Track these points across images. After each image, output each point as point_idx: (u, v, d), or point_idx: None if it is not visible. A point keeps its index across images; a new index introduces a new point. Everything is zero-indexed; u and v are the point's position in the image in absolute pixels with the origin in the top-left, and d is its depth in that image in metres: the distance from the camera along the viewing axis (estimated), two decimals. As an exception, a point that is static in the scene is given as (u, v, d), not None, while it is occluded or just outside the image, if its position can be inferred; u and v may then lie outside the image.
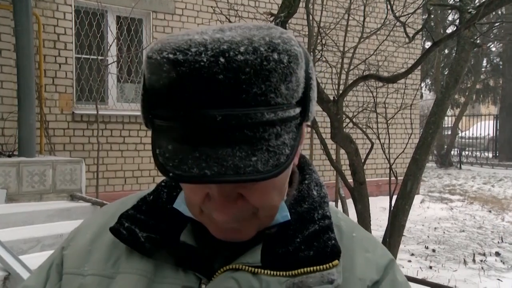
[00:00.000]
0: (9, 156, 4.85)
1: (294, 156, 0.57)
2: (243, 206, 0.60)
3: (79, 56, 6.35)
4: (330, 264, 0.63)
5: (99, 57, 6.38)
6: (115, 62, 6.41)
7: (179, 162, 0.53)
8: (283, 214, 0.66)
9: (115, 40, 6.38)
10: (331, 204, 0.74)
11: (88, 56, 6.40)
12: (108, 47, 6.32)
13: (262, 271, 0.63)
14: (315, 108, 0.64)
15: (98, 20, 6.45)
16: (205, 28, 0.58)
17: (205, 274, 0.65)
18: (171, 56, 0.54)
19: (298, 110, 0.58)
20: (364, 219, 3.72)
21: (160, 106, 0.56)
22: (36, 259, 3.56)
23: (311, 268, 0.63)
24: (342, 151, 4.36)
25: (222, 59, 0.53)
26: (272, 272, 0.63)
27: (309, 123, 0.65)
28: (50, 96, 6.06)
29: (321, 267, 0.63)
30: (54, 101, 6.10)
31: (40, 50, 5.82)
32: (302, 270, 0.63)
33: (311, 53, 5.69)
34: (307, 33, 5.64)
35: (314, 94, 0.62)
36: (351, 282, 0.65)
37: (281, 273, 0.63)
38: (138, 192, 0.79)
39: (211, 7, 6.18)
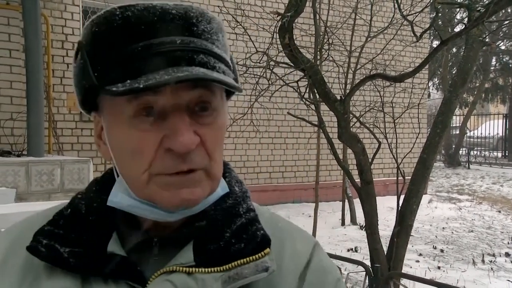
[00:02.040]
0: (18, 155, 4.88)
1: (237, 90, 0.62)
2: (199, 149, 0.62)
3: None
4: (262, 253, 0.64)
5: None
6: (123, 62, 6.43)
7: (153, 77, 0.56)
8: (222, 186, 0.69)
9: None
10: (254, 203, 0.75)
11: (95, 56, 6.43)
12: (116, 47, 6.35)
13: (197, 269, 0.63)
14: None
15: (105, 20, 6.48)
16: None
17: (139, 282, 0.63)
18: (120, 5, 0.61)
19: (231, 67, 0.66)
20: (371, 218, 3.71)
21: (111, 53, 0.60)
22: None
23: (244, 260, 0.63)
24: (349, 150, 4.35)
25: (170, 3, 0.61)
26: (206, 270, 0.63)
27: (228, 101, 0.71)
28: (58, 96, 6.10)
29: (254, 257, 0.64)
30: (62, 101, 6.13)
31: (48, 50, 5.86)
32: (236, 263, 0.63)
33: (318, 52, 5.68)
34: (314, 32, 5.63)
35: (237, 71, 0.68)
36: (284, 269, 0.68)
37: (215, 269, 0.63)
38: (49, 207, 0.75)
39: (218, 6, 6.18)
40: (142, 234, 0.67)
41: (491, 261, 5.56)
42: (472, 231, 7.17)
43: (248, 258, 0.64)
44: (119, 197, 0.66)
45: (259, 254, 0.64)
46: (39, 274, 0.65)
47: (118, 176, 0.67)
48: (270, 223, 0.72)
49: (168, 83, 0.56)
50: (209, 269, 0.63)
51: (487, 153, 17.70)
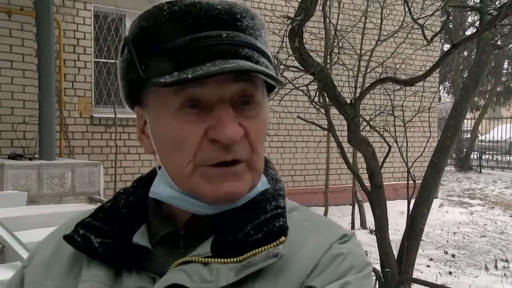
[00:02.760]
0: (30, 159, 4.93)
1: (280, 87, 0.66)
2: (242, 141, 0.63)
3: (98, 60, 6.44)
4: (277, 241, 0.63)
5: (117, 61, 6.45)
6: (133, 66, 6.47)
7: (202, 69, 0.58)
8: (262, 181, 0.69)
9: (133, 44, 6.45)
10: (292, 202, 0.74)
11: (106, 60, 6.48)
12: (126, 51, 6.39)
13: (212, 260, 0.63)
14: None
15: (116, 25, 6.53)
16: None
17: (159, 273, 0.65)
18: (166, 4, 0.63)
19: (274, 64, 0.67)
20: (381, 223, 3.69)
21: (160, 44, 0.62)
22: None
23: (259, 249, 0.63)
24: (359, 154, 4.33)
25: (216, 0, 0.63)
26: (222, 260, 0.63)
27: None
28: (70, 99, 6.15)
29: (268, 246, 0.63)
30: (73, 104, 6.19)
31: (60, 55, 5.92)
32: (250, 253, 0.63)
33: (328, 56, 5.67)
34: (323, 36, 5.63)
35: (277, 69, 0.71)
36: (301, 256, 0.64)
37: (231, 259, 0.63)
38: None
39: (228, 11, 6.21)
40: (169, 226, 0.68)
41: (504, 267, 5.49)
42: (484, 236, 7.09)
43: (262, 248, 0.63)
44: (160, 189, 0.68)
45: (274, 243, 0.63)
46: (82, 264, 0.69)
47: (159, 169, 0.70)
48: (297, 222, 0.69)
49: (216, 74, 0.58)
50: (225, 260, 0.63)
51: (499, 157, 17.51)
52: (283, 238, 0.64)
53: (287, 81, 4.29)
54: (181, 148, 0.63)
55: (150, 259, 0.66)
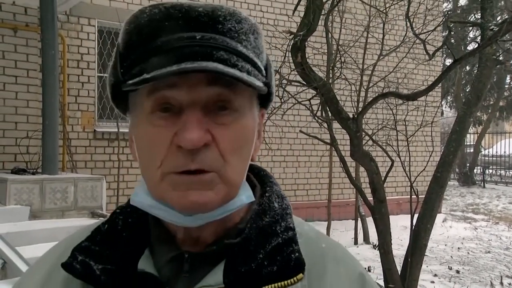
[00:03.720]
0: (33, 173, 4.94)
1: (264, 91, 0.62)
2: (211, 150, 0.59)
3: (101, 75, 6.48)
4: (295, 278, 0.61)
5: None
6: (137, 81, 6.51)
7: (172, 63, 0.56)
8: (247, 194, 0.64)
9: (137, 60, 6.50)
10: (298, 218, 0.72)
11: (110, 75, 6.52)
12: (130, 66, 6.44)
13: None
14: (272, 95, 0.68)
15: (120, 40, 6.59)
16: None
17: None
18: (148, 7, 0.62)
19: (263, 71, 0.64)
20: (385, 237, 3.66)
21: (135, 50, 0.61)
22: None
23: (275, 285, 0.60)
24: (361, 168, 4.33)
25: (202, 3, 0.62)
26: None
27: (263, 116, 0.69)
28: (73, 114, 6.18)
29: (285, 282, 0.61)
30: (77, 119, 6.22)
31: (64, 70, 5.97)
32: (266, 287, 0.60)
33: (330, 70, 5.70)
34: (326, 51, 5.66)
35: (272, 76, 0.67)
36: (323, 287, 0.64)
37: None
38: (93, 223, 0.75)
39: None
40: (173, 250, 0.65)
41: (510, 284, 5.43)
42: (489, 252, 7.03)
43: (278, 284, 0.61)
44: (140, 197, 0.65)
45: (292, 280, 0.61)
46: None
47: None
48: (313, 243, 0.68)
49: (173, 73, 0.55)
50: None
51: (502, 172, 17.45)
52: (300, 275, 0.61)
53: (289, 96, 4.30)
54: (151, 153, 0.60)
55: (156, 286, 0.63)
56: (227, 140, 0.60)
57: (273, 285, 0.60)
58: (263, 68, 0.64)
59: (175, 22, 0.59)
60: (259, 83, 0.59)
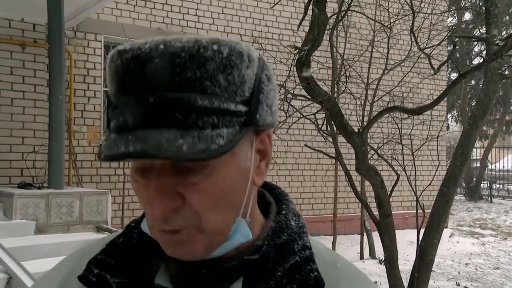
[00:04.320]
0: (39, 188, 4.95)
1: (229, 149, 0.56)
2: (183, 210, 0.58)
3: (107, 89, 6.53)
4: None
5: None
6: (142, 96, 6.56)
7: (113, 145, 0.55)
8: (244, 234, 0.62)
9: (143, 74, 6.56)
10: (313, 237, 0.71)
11: (116, 90, 6.57)
12: (136, 81, 6.50)
13: None
14: (271, 117, 0.63)
15: (126, 55, 6.65)
16: None
17: None
18: (121, 47, 0.58)
19: (242, 107, 0.58)
20: (391, 252, 3.63)
21: (111, 97, 0.60)
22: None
23: None
24: (367, 183, 4.31)
25: (161, 46, 0.56)
26: None
27: (270, 137, 0.65)
28: (79, 128, 6.22)
29: None
30: (83, 133, 6.25)
31: (70, 85, 6.02)
32: None
33: (335, 85, 5.71)
34: (331, 65, 5.69)
35: (267, 100, 0.61)
36: None
37: None
38: (105, 236, 0.75)
39: (236, 41, 6.31)
40: (190, 265, 0.64)
41: (517, 299, 5.36)
42: (497, 268, 6.94)
43: None
44: (146, 229, 0.65)
45: None
46: None
47: None
48: (327, 262, 0.68)
49: (113, 159, 0.55)
50: None
51: (510, 186, 17.31)
52: None
53: (294, 110, 4.31)
54: (140, 202, 0.62)
55: None
56: (198, 200, 0.58)
57: None
58: (236, 108, 0.58)
59: (131, 79, 0.56)
60: (200, 155, 0.54)
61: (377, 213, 3.70)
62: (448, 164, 3.96)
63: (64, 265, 0.73)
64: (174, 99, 0.54)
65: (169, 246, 0.60)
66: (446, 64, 7.07)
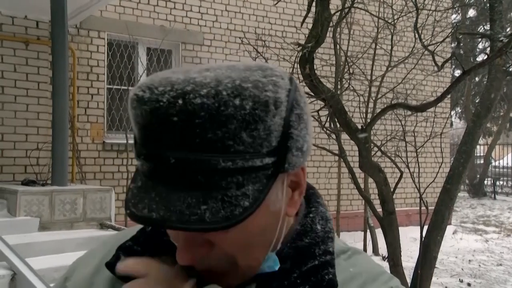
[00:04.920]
0: (43, 185, 4.97)
1: (255, 209, 0.54)
2: (213, 253, 0.59)
3: (111, 86, 6.54)
4: None
5: (130, 88, 6.54)
6: (146, 93, 6.56)
7: (138, 201, 0.55)
8: (270, 265, 0.63)
9: (145, 71, 6.56)
10: (341, 240, 0.71)
11: (119, 87, 6.58)
12: (139, 78, 6.49)
13: None
14: (301, 159, 0.60)
15: (129, 52, 6.65)
16: (198, 67, 0.58)
17: None
18: (140, 93, 0.55)
19: (268, 160, 0.56)
20: (394, 249, 3.63)
21: (136, 141, 0.59)
22: None
23: None
24: (370, 180, 4.31)
25: (180, 101, 0.53)
26: None
27: (304, 169, 0.64)
28: (82, 126, 6.23)
29: None
30: (86, 130, 6.26)
31: (74, 82, 6.03)
32: None
33: (339, 82, 5.70)
34: (334, 62, 5.68)
35: (296, 144, 0.58)
36: None
37: None
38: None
39: (239, 37, 6.30)
40: None
41: (521, 296, 5.35)
42: (501, 264, 6.93)
43: None
44: None
45: None
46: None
47: None
48: (341, 268, 0.67)
49: (138, 222, 0.55)
50: None
51: (514, 183, 17.26)
52: None
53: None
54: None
55: None
56: (228, 246, 0.58)
57: None
58: (267, 152, 0.56)
59: (152, 135, 0.55)
60: (223, 224, 0.53)
61: (381, 210, 3.70)
62: (452, 161, 3.96)
63: (101, 249, 0.75)
64: (196, 161, 0.53)
65: (204, 273, 0.61)
66: (450, 61, 7.04)
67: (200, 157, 0.53)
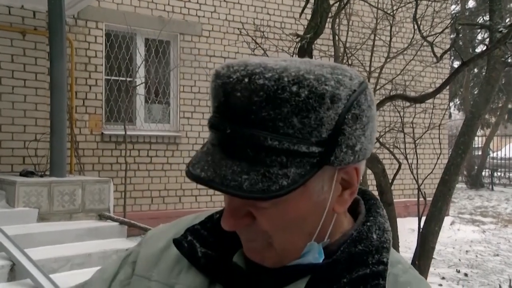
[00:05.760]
0: (41, 176, 4.97)
1: (293, 190, 0.57)
2: (253, 226, 0.63)
3: (109, 78, 6.52)
4: None
5: (128, 79, 6.53)
6: (143, 84, 6.55)
7: (197, 162, 0.61)
8: (315, 256, 0.65)
9: (143, 62, 6.53)
10: (396, 253, 0.71)
11: (117, 78, 6.56)
12: (137, 69, 6.47)
13: None
14: (352, 157, 0.62)
15: (127, 43, 6.62)
16: (280, 57, 0.63)
17: None
18: (219, 69, 0.61)
19: (315, 149, 0.58)
20: (392, 240, 3.65)
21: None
22: (66, 278, 3.61)
23: None
24: (369, 171, 4.32)
25: (246, 80, 0.58)
26: None
27: (358, 170, 0.65)
28: (81, 117, 6.22)
29: None
30: (84, 122, 6.25)
31: (72, 73, 6.00)
32: None
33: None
34: (333, 53, 5.66)
35: (348, 141, 0.60)
36: None
37: None
38: (212, 209, 0.83)
39: (238, 28, 6.27)
40: None
41: (518, 286, 5.38)
42: (497, 255, 6.97)
43: None
44: None
45: None
46: (183, 267, 0.73)
47: None
48: (400, 284, 0.67)
49: (190, 179, 0.60)
50: None
51: (511, 174, 17.31)
52: None
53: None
54: None
55: (243, 283, 0.68)
56: (267, 223, 0.62)
57: None
58: (316, 142, 0.58)
59: (218, 106, 0.61)
60: (257, 195, 0.57)
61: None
62: (450, 153, 3.96)
63: (174, 227, 0.81)
64: (247, 135, 0.57)
65: (244, 247, 0.67)
66: (449, 52, 7.03)
67: (250, 132, 0.57)
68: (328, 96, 0.58)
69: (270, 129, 0.57)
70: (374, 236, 0.68)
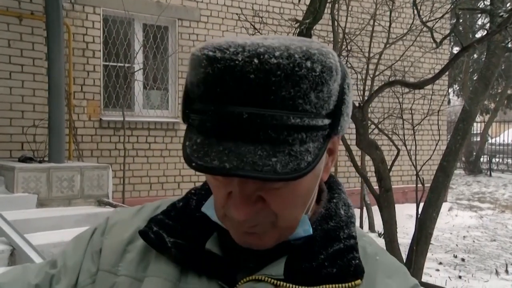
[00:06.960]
0: (40, 162, 4.97)
1: (316, 164, 0.58)
2: (263, 210, 0.61)
3: (107, 63, 6.48)
4: (353, 283, 0.64)
5: (126, 65, 6.49)
6: (141, 70, 6.51)
7: (203, 154, 0.57)
8: (305, 228, 0.66)
9: (142, 48, 6.49)
10: (358, 227, 0.73)
11: (115, 64, 6.52)
12: (135, 55, 6.43)
13: (284, 284, 0.64)
14: (347, 124, 0.65)
15: (125, 28, 6.57)
16: (254, 36, 0.61)
17: (228, 284, 0.66)
18: (210, 53, 0.57)
19: (327, 121, 0.60)
20: (390, 226, 3.67)
21: (195, 100, 0.60)
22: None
23: (333, 286, 0.63)
24: (367, 157, 4.32)
25: (256, 60, 0.56)
26: (293, 286, 0.63)
27: (339, 138, 0.67)
28: (79, 103, 6.20)
29: (343, 285, 0.63)
30: (83, 108, 6.23)
31: (69, 59, 5.97)
32: (323, 286, 0.63)
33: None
34: (332, 39, 5.63)
35: (347, 110, 0.63)
36: None
37: (303, 287, 0.63)
38: (171, 197, 0.81)
39: (236, 14, 6.22)
40: None
41: (514, 271, 5.44)
42: (494, 240, 7.02)
43: (337, 285, 0.63)
44: (210, 213, 0.70)
45: (349, 284, 0.64)
46: (151, 258, 0.72)
47: None
48: (368, 255, 0.70)
49: (210, 173, 0.56)
50: (296, 286, 0.63)
51: (509, 160, 17.36)
52: (358, 281, 0.64)
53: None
54: (215, 194, 0.65)
55: (220, 268, 0.68)
56: (278, 202, 0.61)
57: (330, 286, 0.64)
58: (326, 115, 0.60)
59: (224, 91, 0.56)
60: (293, 175, 0.56)
61: (377, 187, 3.72)
62: (449, 139, 3.97)
63: (137, 218, 0.78)
64: (267, 116, 0.56)
65: (240, 235, 0.64)
66: (448, 38, 6.99)
67: (273, 113, 0.56)
68: (334, 69, 0.59)
69: (289, 107, 0.56)
70: (342, 212, 0.71)
